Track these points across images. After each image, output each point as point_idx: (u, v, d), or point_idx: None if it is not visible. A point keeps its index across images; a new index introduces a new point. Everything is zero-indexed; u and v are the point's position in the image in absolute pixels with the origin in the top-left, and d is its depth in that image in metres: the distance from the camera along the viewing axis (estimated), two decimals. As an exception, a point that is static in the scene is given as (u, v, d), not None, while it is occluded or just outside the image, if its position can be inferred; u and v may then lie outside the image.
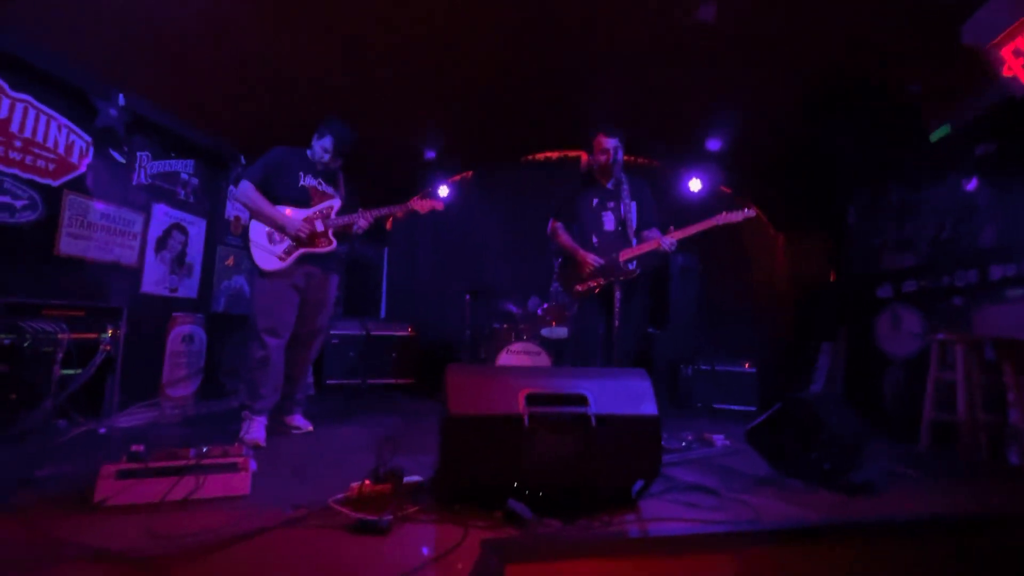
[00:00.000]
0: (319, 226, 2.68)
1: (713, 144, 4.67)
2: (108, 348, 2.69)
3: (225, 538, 1.37)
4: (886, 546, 1.45)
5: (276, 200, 2.66)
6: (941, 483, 2.29)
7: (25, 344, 2.30)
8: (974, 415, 2.78)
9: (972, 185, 3.37)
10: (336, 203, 2.78)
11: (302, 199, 2.71)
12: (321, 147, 2.73)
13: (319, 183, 2.78)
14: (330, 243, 2.71)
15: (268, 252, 2.62)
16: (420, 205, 2.82)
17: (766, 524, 1.64)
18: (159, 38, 2.93)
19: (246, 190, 2.63)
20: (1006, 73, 2.54)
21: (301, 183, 2.72)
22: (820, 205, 4.82)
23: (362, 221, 2.73)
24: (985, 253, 3.21)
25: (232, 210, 4.14)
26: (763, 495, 1.94)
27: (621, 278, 2.79)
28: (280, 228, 2.63)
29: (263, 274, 2.63)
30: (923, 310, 3.64)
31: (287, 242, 2.64)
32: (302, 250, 2.65)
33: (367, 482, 1.74)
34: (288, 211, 2.66)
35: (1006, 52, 2.53)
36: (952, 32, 2.71)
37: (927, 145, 3.53)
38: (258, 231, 2.65)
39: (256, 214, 2.65)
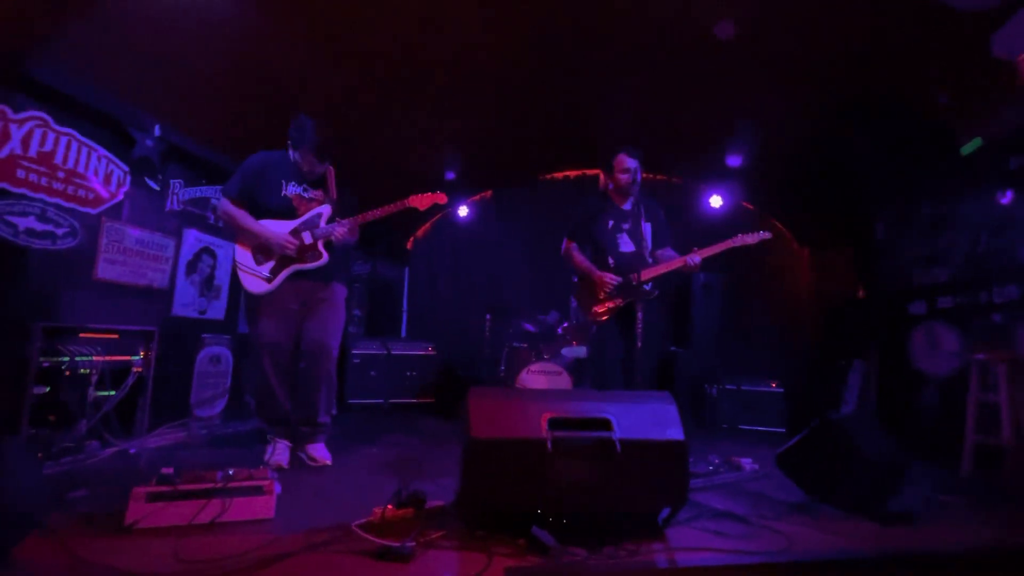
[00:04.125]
0: (307, 238, 2.45)
1: (734, 160, 4.62)
2: (140, 370, 2.77)
3: (250, 564, 1.38)
4: (930, 582, 1.38)
5: (259, 213, 2.45)
6: (986, 512, 2.17)
7: (63, 367, 2.39)
8: (1020, 438, 2.65)
9: (1008, 198, 3.26)
10: (325, 210, 2.53)
11: (286, 210, 2.48)
12: (306, 163, 2.50)
13: (304, 189, 2.53)
14: (319, 256, 2.47)
15: (254, 274, 2.44)
16: (419, 201, 2.51)
17: (799, 555, 1.58)
18: (191, 68, 3.06)
19: (225, 207, 2.45)
20: (1038, 84, 2.47)
21: (284, 192, 2.49)
22: (846, 220, 4.72)
23: (338, 229, 2.44)
24: (1025, 268, 3.09)
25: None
26: (795, 523, 1.87)
27: (639, 299, 2.76)
28: (264, 244, 2.43)
29: (250, 297, 2.47)
30: (960, 327, 3.50)
31: (272, 262, 2.44)
32: (291, 268, 2.45)
33: (389, 507, 1.74)
34: (271, 224, 2.44)
35: (1037, 63, 2.46)
36: (981, 44, 2.65)
37: (958, 158, 3.44)
38: (243, 253, 2.47)
39: (238, 232, 2.45)
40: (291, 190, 2.51)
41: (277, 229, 2.44)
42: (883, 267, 4.30)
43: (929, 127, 3.51)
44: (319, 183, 2.60)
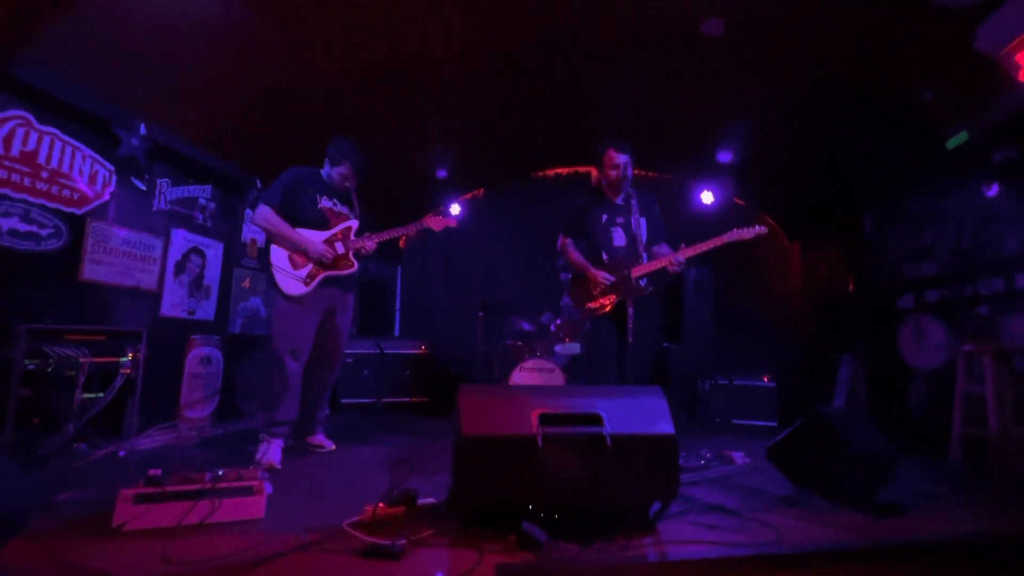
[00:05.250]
0: (340, 248, 2.71)
1: (724, 156, 4.64)
2: (128, 371, 2.74)
3: (239, 564, 1.37)
4: (917, 570, 1.39)
5: (295, 222, 2.66)
6: (974, 502, 2.20)
7: (48, 369, 2.36)
8: (1006, 429, 2.68)
9: (993, 192, 3.29)
10: (354, 223, 2.81)
11: (320, 221, 2.71)
12: (339, 175, 2.77)
13: (335, 204, 2.79)
14: (352, 265, 2.74)
15: (291, 277, 2.62)
16: (434, 223, 2.82)
17: (789, 547, 1.59)
18: (178, 67, 3.03)
19: (266, 214, 2.62)
20: (1022, 78, 2.50)
21: (319, 205, 2.73)
22: (835, 214, 4.76)
23: (369, 243, 2.75)
24: (1010, 261, 3.12)
25: (248, 233, 4.23)
26: (786, 515, 1.88)
27: (633, 295, 2.76)
28: (303, 251, 2.63)
29: (286, 298, 2.62)
30: (947, 320, 3.54)
31: (309, 266, 2.64)
32: (325, 273, 2.66)
33: (381, 505, 1.73)
34: (308, 234, 2.67)
35: (1021, 57, 2.49)
36: (965, 38, 2.68)
37: (944, 152, 3.47)
38: (279, 255, 2.64)
39: (277, 238, 2.64)
40: (324, 203, 2.75)
41: (313, 237, 2.68)
42: (872, 261, 4.34)
43: (916, 122, 3.54)
44: (346, 199, 2.86)
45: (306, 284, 2.63)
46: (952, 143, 3.36)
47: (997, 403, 2.70)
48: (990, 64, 2.61)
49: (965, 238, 3.48)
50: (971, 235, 3.44)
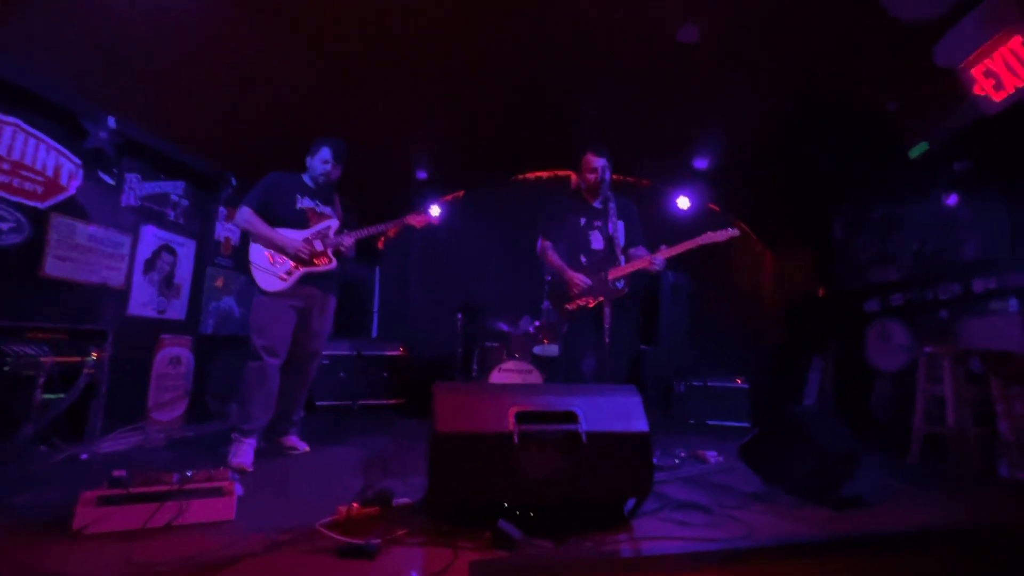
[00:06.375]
0: (318, 245, 2.74)
1: (700, 162, 4.75)
2: (92, 371, 2.65)
3: (207, 564, 1.33)
4: (877, 560, 1.44)
5: (274, 222, 2.70)
6: (932, 496, 2.29)
7: (5, 368, 2.26)
8: (963, 427, 2.79)
9: (952, 200, 3.45)
10: (334, 223, 2.84)
11: (300, 220, 2.75)
12: (320, 160, 2.78)
13: (316, 204, 2.82)
14: (330, 262, 2.76)
15: (270, 273, 2.65)
16: (415, 219, 2.89)
17: (758, 541, 1.63)
18: (149, 60, 2.95)
19: (246, 215, 2.68)
20: (977, 92, 2.63)
21: (298, 205, 2.77)
22: (806, 221, 4.90)
23: (347, 239, 2.78)
24: (968, 266, 3.27)
25: (222, 231, 4.13)
26: (755, 511, 1.92)
27: (609, 297, 2.80)
28: (280, 248, 2.67)
29: (264, 294, 2.65)
30: (910, 323, 3.68)
31: (288, 263, 2.68)
32: (304, 270, 2.69)
33: (355, 505, 1.72)
34: (287, 232, 2.71)
35: (977, 72, 2.62)
36: (926, 52, 2.80)
37: (907, 161, 3.62)
38: (258, 253, 2.68)
39: (256, 237, 2.69)
40: (305, 203, 2.80)
41: (292, 235, 2.71)
42: (841, 266, 4.49)
43: (881, 132, 3.68)
44: (328, 200, 2.89)
45: (284, 280, 2.65)
46: (913, 153, 3.50)
47: (955, 403, 2.81)
48: (949, 77, 2.74)
49: (927, 245, 3.63)
50: (933, 242, 3.59)
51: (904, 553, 1.48)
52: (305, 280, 2.70)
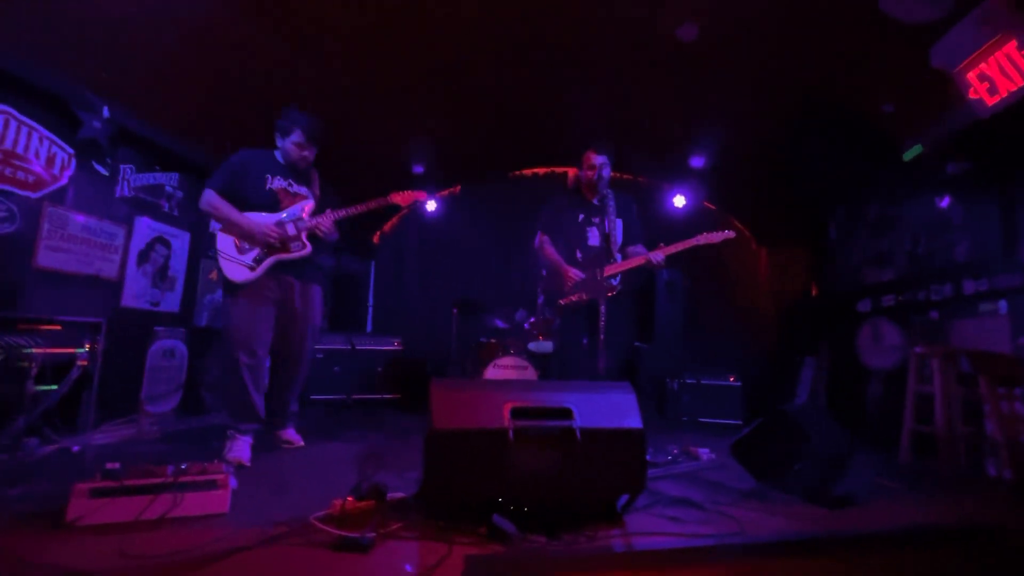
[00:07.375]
0: (291, 229, 2.50)
1: (697, 161, 4.76)
2: (85, 363, 2.63)
3: (201, 557, 1.33)
4: (867, 558, 1.46)
5: (243, 206, 2.49)
6: (921, 494, 2.32)
7: (-2, 359, 2.25)
8: (952, 427, 2.83)
9: (945, 202, 3.47)
10: (309, 204, 2.59)
11: (271, 203, 2.53)
12: (292, 143, 2.56)
13: (289, 184, 2.59)
14: (304, 247, 2.53)
15: (237, 263, 2.44)
16: (401, 197, 2.64)
17: (750, 537, 1.64)
18: (145, 50, 2.92)
19: (209, 198, 2.47)
20: (972, 95, 2.65)
21: (269, 186, 2.55)
22: (801, 221, 4.93)
23: (325, 221, 2.54)
24: (959, 268, 3.30)
25: (217, 223, 4.11)
26: (747, 508, 1.94)
27: (602, 294, 2.80)
28: (247, 234, 2.45)
29: (233, 287, 2.45)
30: (902, 323, 3.71)
31: (256, 250, 2.46)
32: (274, 257, 2.48)
33: (350, 499, 1.72)
34: (256, 216, 2.49)
35: (971, 76, 2.64)
36: (922, 55, 2.82)
37: (901, 163, 3.65)
38: (225, 241, 2.47)
39: (223, 223, 2.48)
40: (276, 184, 2.56)
41: (261, 220, 2.48)
42: (834, 266, 4.52)
43: (877, 134, 3.70)
44: (304, 179, 2.64)
45: (252, 270, 2.44)
46: (907, 155, 3.53)
47: (944, 402, 2.84)
48: (945, 80, 2.76)
49: (920, 246, 3.66)
50: (925, 243, 3.62)
51: (894, 551, 1.50)
52: (277, 268, 2.48)
